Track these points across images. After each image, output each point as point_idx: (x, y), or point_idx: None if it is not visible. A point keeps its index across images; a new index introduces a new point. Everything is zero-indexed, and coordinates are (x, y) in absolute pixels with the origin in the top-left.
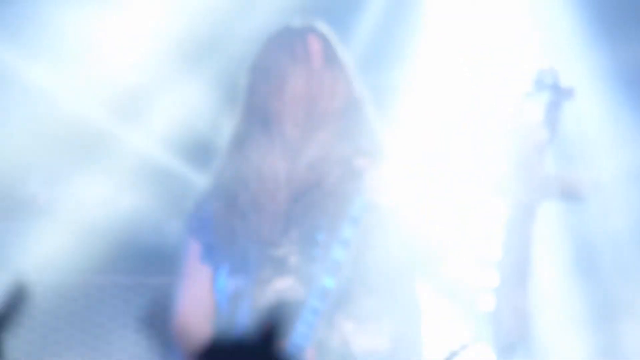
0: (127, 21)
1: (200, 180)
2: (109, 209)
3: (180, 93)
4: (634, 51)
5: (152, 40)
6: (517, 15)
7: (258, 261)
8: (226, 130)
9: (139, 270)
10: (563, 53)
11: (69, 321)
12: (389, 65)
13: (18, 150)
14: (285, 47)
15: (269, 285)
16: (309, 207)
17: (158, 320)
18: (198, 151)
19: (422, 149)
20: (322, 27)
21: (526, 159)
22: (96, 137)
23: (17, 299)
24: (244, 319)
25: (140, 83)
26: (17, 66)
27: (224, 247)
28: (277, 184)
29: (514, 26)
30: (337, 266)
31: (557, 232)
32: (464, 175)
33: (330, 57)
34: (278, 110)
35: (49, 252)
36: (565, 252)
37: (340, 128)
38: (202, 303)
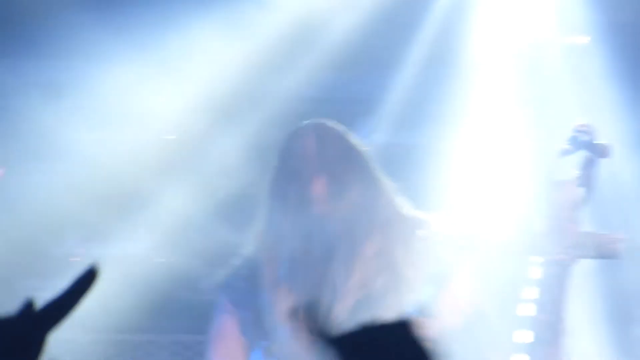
0: (168, 80)
1: (233, 238)
2: (145, 267)
3: (217, 151)
4: None
5: (188, 98)
6: (557, 72)
7: (296, 347)
8: (260, 196)
9: (173, 329)
10: (600, 111)
11: None
12: (425, 125)
13: (55, 207)
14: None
15: None
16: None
17: None
18: (233, 209)
19: (459, 215)
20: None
21: (561, 217)
22: (132, 195)
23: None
24: None
25: (178, 141)
26: (58, 125)
27: (261, 325)
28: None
29: (553, 83)
30: None
31: (592, 291)
32: (501, 236)
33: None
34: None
35: (83, 309)
36: (600, 310)
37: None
38: None
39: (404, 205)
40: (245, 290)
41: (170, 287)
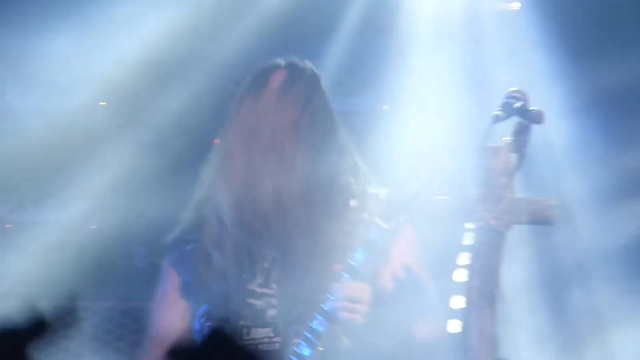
0: (98, 46)
1: (167, 205)
2: (79, 233)
3: (149, 117)
4: (602, 77)
5: (122, 65)
6: (490, 38)
7: (236, 309)
8: (202, 162)
9: (108, 295)
10: (532, 77)
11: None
12: (361, 91)
13: None
14: (255, 89)
15: (245, 334)
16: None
17: None
18: (166, 175)
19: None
20: (295, 63)
21: (495, 183)
22: (65, 161)
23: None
24: None
25: (110, 107)
26: None
27: (203, 289)
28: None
29: (487, 49)
30: (317, 336)
31: (526, 257)
32: (435, 202)
33: (290, 89)
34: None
35: (17, 276)
36: (533, 275)
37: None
38: (177, 339)
39: (345, 171)
40: (187, 255)
41: (104, 254)
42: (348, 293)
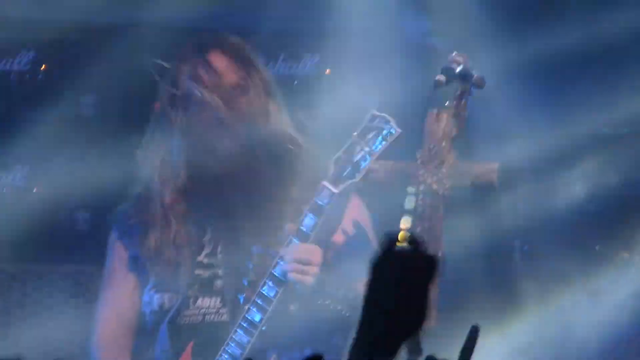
0: (36, 10)
1: (113, 171)
2: (20, 197)
3: (90, 82)
4: (543, 42)
5: (61, 28)
6: (431, 3)
7: (184, 280)
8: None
9: (50, 259)
10: (473, 40)
11: None
12: (303, 54)
13: None
14: (190, 67)
15: (193, 305)
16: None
17: None
18: (109, 140)
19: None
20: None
21: (437, 147)
22: (7, 125)
23: None
24: (165, 336)
25: (51, 71)
26: None
27: (151, 261)
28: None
29: (428, 14)
30: (267, 301)
31: (467, 220)
32: (378, 166)
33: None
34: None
35: None
36: (475, 239)
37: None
38: (126, 313)
39: (288, 134)
40: (133, 228)
41: (45, 218)
42: (298, 255)
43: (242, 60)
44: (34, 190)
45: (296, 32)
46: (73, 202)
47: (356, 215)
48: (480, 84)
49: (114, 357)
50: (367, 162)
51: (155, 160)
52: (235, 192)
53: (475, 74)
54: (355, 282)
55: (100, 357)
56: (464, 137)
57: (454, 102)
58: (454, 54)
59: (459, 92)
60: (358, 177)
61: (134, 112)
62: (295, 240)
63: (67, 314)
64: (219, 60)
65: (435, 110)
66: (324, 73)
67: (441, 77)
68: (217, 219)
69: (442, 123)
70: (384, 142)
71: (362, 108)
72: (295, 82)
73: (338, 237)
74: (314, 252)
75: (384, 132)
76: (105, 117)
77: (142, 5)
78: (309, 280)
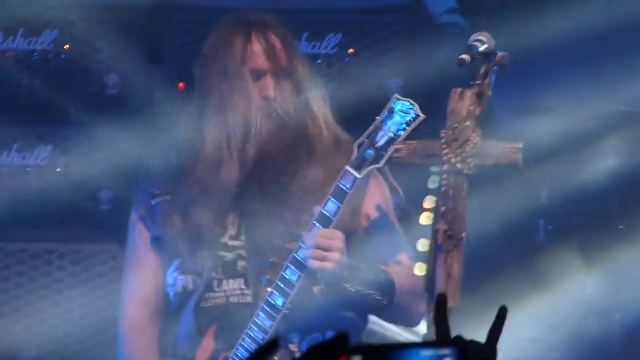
0: None
1: (134, 148)
2: (44, 176)
3: (116, 61)
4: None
5: (86, 8)
6: None
7: (208, 261)
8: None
9: (73, 238)
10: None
11: (3, 288)
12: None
13: None
14: (229, 47)
15: (217, 287)
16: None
17: None
18: (133, 119)
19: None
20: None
21: (460, 126)
22: (30, 104)
23: None
24: (189, 318)
25: (75, 51)
26: None
27: (174, 243)
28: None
29: None
30: (289, 285)
31: (490, 199)
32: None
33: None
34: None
35: None
36: (498, 218)
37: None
38: (150, 296)
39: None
40: (154, 209)
41: (69, 197)
42: (318, 241)
43: (289, 44)
44: (57, 170)
45: (319, 11)
46: (96, 181)
47: (378, 198)
48: (503, 63)
49: (140, 340)
50: (391, 147)
51: (181, 139)
52: (261, 174)
53: (499, 53)
54: (381, 265)
55: (127, 340)
56: (487, 116)
57: (478, 81)
58: (477, 33)
59: (482, 71)
60: (381, 162)
61: (157, 91)
62: (317, 225)
63: (91, 294)
64: (270, 41)
65: (459, 89)
66: (347, 52)
67: (465, 56)
68: (242, 200)
69: (466, 102)
70: (407, 127)
71: (385, 88)
72: (319, 61)
73: (361, 222)
74: (335, 238)
75: (408, 117)
76: (128, 96)
77: None
78: (330, 266)
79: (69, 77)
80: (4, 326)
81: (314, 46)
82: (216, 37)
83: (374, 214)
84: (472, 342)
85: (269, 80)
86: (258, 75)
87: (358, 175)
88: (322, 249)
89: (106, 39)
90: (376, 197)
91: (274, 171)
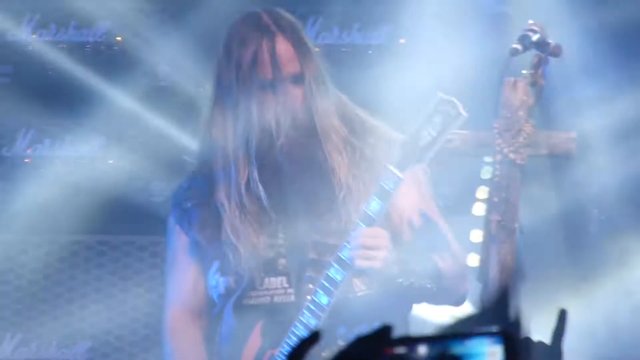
0: None
1: (185, 140)
2: (97, 168)
3: (166, 52)
4: (619, 10)
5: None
6: None
7: (248, 261)
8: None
9: (126, 230)
10: (550, 9)
11: (58, 280)
12: (375, 25)
13: (6, 109)
14: (248, 45)
15: (260, 286)
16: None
17: None
18: (184, 111)
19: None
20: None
21: (514, 116)
22: (83, 96)
23: None
24: (231, 317)
25: (126, 41)
26: (5, 26)
27: (212, 244)
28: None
29: None
30: (334, 284)
31: (544, 189)
32: (453, 136)
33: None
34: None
35: (36, 211)
36: (551, 209)
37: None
38: (192, 299)
39: (355, 110)
40: (189, 212)
41: (122, 189)
42: (365, 241)
43: (301, 47)
44: (110, 162)
45: (371, 0)
46: (149, 173)
47: (420, 195)
48: (557, 52)
49: (182, 341)
50: (434, 147)
51: (216, 140)
52: (296, 173)
53: (552, 42)
54: (430, 254)
55: (171, 342)
56: (541, 106)
57: (531, 71)
58: (530, 22)
59: (535, 61)
60: (424, 162)
61: (208, 82)
62: (361, 224)
63: (144, 286)
64: (282, 48)
65: (511, 79)
66: (399, 42)
67: (517, 46)
68: (278, 198)
69: (519, 92)
70: (451, 127)
71: (436, 79)
72: (370, 51)
73: (404, 225)
74: (381, 236)
75: (451, 116)
76: (180, 87)
77: None
78: (377, 264)
79: (121, 69)
80: (59, 317)
81: (365, 37)
82: (229, 40)
83: (417, 217)
84: (540, 343)
85: (285, 88)
86: (271, 83)
87: (400, 175)
88: (368, 248)
89: (158, 30)
90: (419, 198)
91: (306, 169)
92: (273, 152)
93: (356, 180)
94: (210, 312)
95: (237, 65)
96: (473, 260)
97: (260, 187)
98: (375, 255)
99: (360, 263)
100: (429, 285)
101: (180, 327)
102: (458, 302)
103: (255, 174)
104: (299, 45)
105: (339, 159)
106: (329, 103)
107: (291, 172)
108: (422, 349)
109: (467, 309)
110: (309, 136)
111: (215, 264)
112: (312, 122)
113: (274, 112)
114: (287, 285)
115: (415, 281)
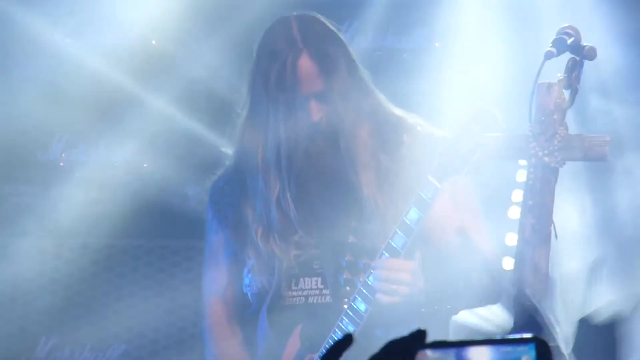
0: None
1: (219, 143)
2: (131, 172)
3: (201, 56)
4: None
5: (173, 3)
6: None
7: (282, 261)
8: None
9: (161, 234)
10: (584, 13)
11: (92, 284)
12: (411, 29)
13: (40, 113)
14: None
15: (295, 286)
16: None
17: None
18: (219, 115)
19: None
20: (318, 30)
21: (548, 120)
22: (117, 100)
23: None
24: (267, 319)
25: (161, 45)
26: (40, 30)
27: (248, 243)
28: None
29: None
30: (372, 292)
31: (579, 194)
32: (489, 139)
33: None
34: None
35: (70, 215)
36: (587, 214)
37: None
38: (229, 296)
39: (392, 108)
40: (227, 209)
41: (156, 193)
42: (388, 274)
43: (326, 65)
44: (145, 166)
45: (405, 4)
46: (183, 177)
47: (461, 204)
48: (591, 56)
49: (223, 337)
50: (472, 157)
51: (254, 139)
52: (324, 188)
53: (587, 45)
54: (457, 282)
55: (212, 339)
56: (575, 109)
57: (566, 74)
58: (564, 25)
59: (570, 64)
60: (464, 171)
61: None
62: (399, 233)
63: (178, 289)
64: (306, 65)
65: (546, 82)
66: (433, 46)
67: (552, 49)
68: (312, 198)
69: (554, 95)
70: (489, 136)
71: (471, 82)
72: (405, 55)
73: (448, 237)
74: (405, 269)
75: (490, 126)
76: (215, 91)
77: None
78: (397, 300)
79: (156, 72)
80: (93, 322)
81: (399, 40)
82: (260, 50)
83: (454, 233)
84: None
85: (310, 105)
86: (300, 101)
87: (439, 186)
88: (390, 283)
89: (193, 33)
90: (456, 211)
91: (328, 187)
92: (300, 166)
93: (386, 195)
94: (246, 309)
95: (266, 77)
96: (508, 263)
97: (290, 201)
98: (396, 290)
99: (381, 298)
100: (449, 306)
101: (220, 325)
102: (492, 302)
103: (286, 188)
104: (324, 61)
105: (366, 175)
106: (357, 117)
107: (319, 187)
108: (455, 354)
109: (500, 313)
110: (335, 152)
111: (250, 262)
112: (337, 138)
113: (299, 128)
114: (322, 286)
115: (439, 308)
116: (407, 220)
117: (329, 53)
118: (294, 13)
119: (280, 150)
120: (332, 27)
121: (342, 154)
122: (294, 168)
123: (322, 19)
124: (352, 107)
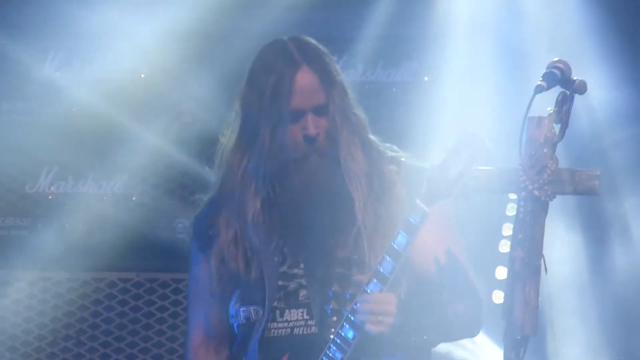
0: (138, 18)
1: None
2: (120, 205)
3: (190, 89)
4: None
5: (162, 37)
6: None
7: (269, 291)
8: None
9: (149, 267)
10: (574, 47)
11: (79, 318)
12: (399, 63)
13: (30, 146)
14: (272, 77)
15: (280, 318)
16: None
17: None
18: (208, 147)
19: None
20: (313, 52)
21: (538, 154)
22: (106, 133)
23: None
24: (255, 350)
25: (150, 78)
26: (29, 63)
27: (233, 274)
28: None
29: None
30: (359, 319)
31: (569, 226)
32: (478, 173)
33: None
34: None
35: (59, 248)
36: (577, 246)
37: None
38: (214, 327)
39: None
40: (212, 240)
41: (145, 226)
42: (373, 307)
43: (327, 80)
44: (134, 199)
45: (395, 38)
46: (172, 210)
47: (446, 231)
48: (582, 90)
49: None
50: (461, 181)
51: (237, 167)
52: (318, 205)
53: (577, 79)
54: (447, 307)
55: None
56: (565, 143)
57: (556, 108)
58: (555, 60)
59: (560, 98)
60: (452, 195)
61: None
62: (387, 259)
63: (166, 323)
64: (306, 78)
65: (536, 116)
66: (423, 80)
67: (542, 83)
68: (299, 229)
69: (544, 129)
70: (477, 160)
71: (460, 116)
72: (394, 89)
73: (430, 265)
74: (388, 302)
75: (477, 149)
76: (203, 124)
77: (243, 14)
78: (384, 329)
79: (144, 105)
80: (81, 355)
81: (389, 74)
82: (254, 67)
83: (442, 255)
84: None
85: (308, 119)
86: (297, 114)
87: (427, 210)
88: (376, 314)
89: (182, 67)
90: (444, 234)
91: (328, 201)
92: (291, 183)
93: (375, 215)
94: (232, 342)
95: (260, 93)
96: (498, 297)
97: (281, 218)
98: (382, 321)
99: (370, 328)
100: (425, 337)
101: (203, 358)
102: (473, 334)
103: (266, 207)
104: (325, 76)
105: (359, 193)
106: (353, 135)
107: (309, 204)
108: None
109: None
110: (330, 167)
111: (236, 293)
112: (335, 153)
113: (293, 142)
114: (307, 317)
115: (428, 337)
116: (395, 246)
117: (329, 68)
118: (286, 37)
119: (266, 170)
120: (325, 50)
121: (340, 170)
122: (285, 187)
123: (315, 41)
124: (351, 125)
